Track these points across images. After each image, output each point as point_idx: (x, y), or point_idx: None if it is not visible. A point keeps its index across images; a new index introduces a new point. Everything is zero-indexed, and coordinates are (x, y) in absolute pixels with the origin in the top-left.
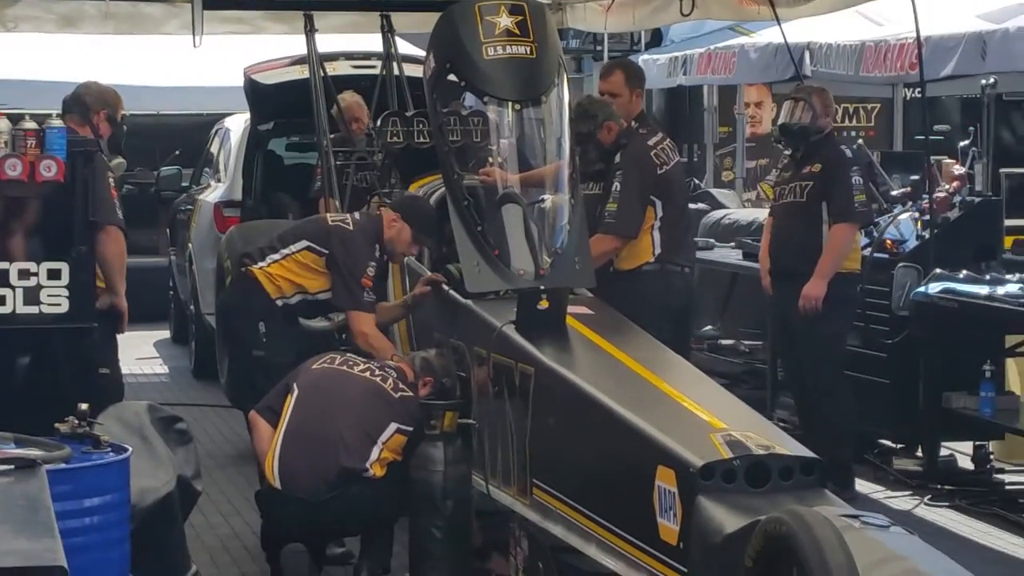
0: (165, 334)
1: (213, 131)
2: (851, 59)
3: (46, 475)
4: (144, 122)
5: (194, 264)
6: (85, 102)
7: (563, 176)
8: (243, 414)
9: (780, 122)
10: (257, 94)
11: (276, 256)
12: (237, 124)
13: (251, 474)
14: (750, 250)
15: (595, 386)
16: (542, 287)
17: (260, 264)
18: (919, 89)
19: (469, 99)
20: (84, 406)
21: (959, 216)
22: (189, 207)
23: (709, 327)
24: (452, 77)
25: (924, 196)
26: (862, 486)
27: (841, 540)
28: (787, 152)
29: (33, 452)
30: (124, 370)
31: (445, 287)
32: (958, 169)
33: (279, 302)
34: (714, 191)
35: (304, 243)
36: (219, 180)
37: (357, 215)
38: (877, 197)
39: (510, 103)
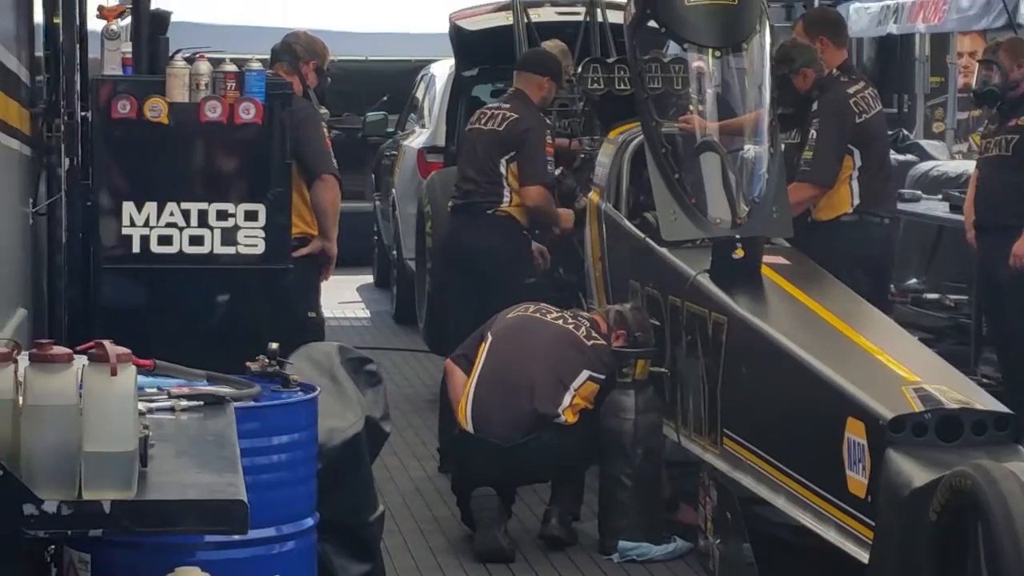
0: (369, 279)
1: (419, 77)
2: None
3: (234, 412)
4: (351, 67)
5: (397, 210)
6: (295, 51)
7: (763, 125)
8: (441, 358)
9: (972, 89)
10: (462, 40)
11: (506, 189)
12: (442, 70)
13: None
14: (957, 202)
15: (788, 337)
16: (738, 236)
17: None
18: None
19: (670, 46)
20: (275, 345)
21: None
22: (394, 152)
23: (914, 280)
24: (653, 23)
25: None
26: None
27: None
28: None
29: (223, 389)
30: (327, 314)
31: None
32: None
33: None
34: (923, 142)
35: (504, 159)
36: (423, 126)
37: (506, 102)
38: None
39: (711, 50)
